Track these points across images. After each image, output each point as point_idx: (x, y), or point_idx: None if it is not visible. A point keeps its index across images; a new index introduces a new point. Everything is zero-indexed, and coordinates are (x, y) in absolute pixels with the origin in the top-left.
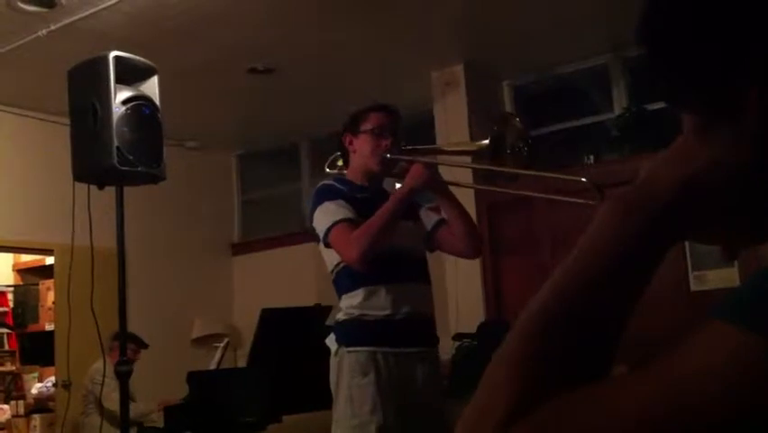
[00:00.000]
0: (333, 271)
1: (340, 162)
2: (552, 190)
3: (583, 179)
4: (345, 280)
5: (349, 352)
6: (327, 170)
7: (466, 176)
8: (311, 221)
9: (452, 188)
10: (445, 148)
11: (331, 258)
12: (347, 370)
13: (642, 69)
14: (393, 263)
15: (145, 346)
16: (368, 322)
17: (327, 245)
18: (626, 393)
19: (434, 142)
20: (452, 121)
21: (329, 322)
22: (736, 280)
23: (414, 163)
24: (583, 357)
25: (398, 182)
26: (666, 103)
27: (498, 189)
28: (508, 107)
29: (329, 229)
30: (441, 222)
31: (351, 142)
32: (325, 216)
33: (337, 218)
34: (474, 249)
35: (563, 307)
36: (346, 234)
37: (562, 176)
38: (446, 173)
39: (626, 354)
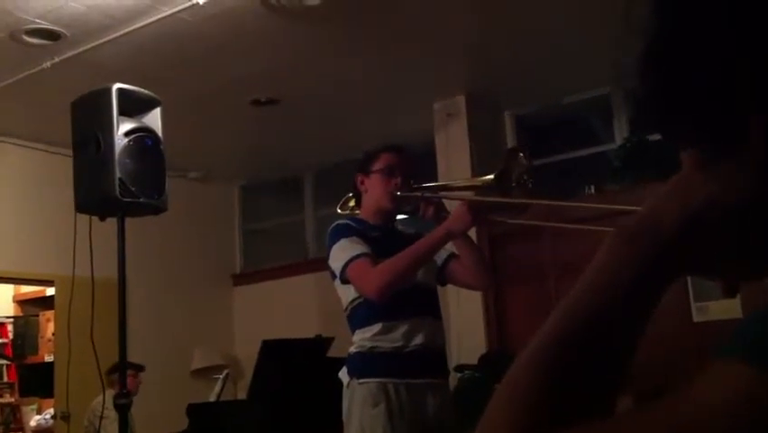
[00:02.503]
0: (347, 307)
1: (351, 203)
2: (555, 220)
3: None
4: (361, 315)
5: (360, 383)
6: (339, 210)
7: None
8: (327, 259)
9: None
10: (452, 184)
11: (347, 294)
12: (359, 401)
13: (642, 104)
14: (409, 298)
15: (142, 369)
16: (379, 354)
17: (344, 281)
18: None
19: (435, 173)
20: (453, 151)
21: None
22: (738, 312)
23: (429, 202)
24: (588, 391)
25: (407, 220)
26: (666, 139)
27: (509, 222)
28: (510, 137)
29: (347, 264)
30: (451, 256)
31: (363, 183)
32: (343, 252)
33: (355, 253)
34: (485, 282)
35: (567, 341)
36: (366, 268)
37: (568, 204)
38: (450, 204)
39: (629, 384)
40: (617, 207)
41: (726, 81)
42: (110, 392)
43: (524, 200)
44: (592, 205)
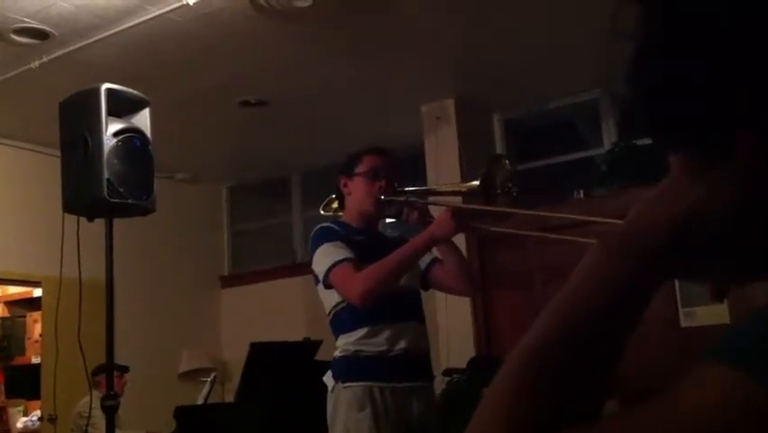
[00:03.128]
0: (330, 312)
1: (335, 204)
2: (541, 228)
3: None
4: (344, 320)
5: (345, 388)
6: (322, 212)
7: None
8: (311, 263)
9: None
10: (437, 189)
11: (329, 299)
12: (344, 405)
13: (630, 109)
14: (392, 303)
15: (127, 370)
16: (364, 358)
17: (328, 286)
18: None
19: (424, 176)
20: (442, 155)
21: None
22: (726, 317)
23: (413, 207)
24: (574, 396)
25: (390, 225)
26: (655, 143)
27: (492, 229)
28: (499, 141)
29: (330, 269)
30: (435, 260)
31: (346, 185)
32: (326, 256)
33: (339, 258)
34: (469, 287)
35: (553, 346)
36: (349, 274)
37: (551, 214)
38: (435, 209)
39: (616, 388)
40: (595, 218)
41: (715, 93)
42: (96, 394)
43: (506, 209)
44: (572, 216)
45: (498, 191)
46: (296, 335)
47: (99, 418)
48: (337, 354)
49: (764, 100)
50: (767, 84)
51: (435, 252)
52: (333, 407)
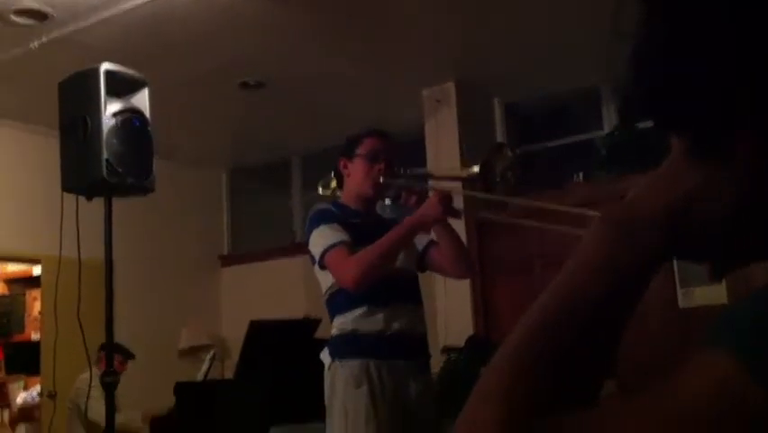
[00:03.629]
0: (326, 292)
1: (333, 184)
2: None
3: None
4: (340, 301)
5: (342, 365)
6: (320, 190)
7: (457, 200)
8: (307, 244)
9: None
10: (437, 174)
11: (325, 280)
12: (341, 382)
13: (633, 94)
14: (388, 285)
15: (132, 357)
16: (360, 336)
17: (323, 267)
18: (617, 424)
19: (424, 159)
20: (442, 138)
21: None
22: (723, 297)
23: (412, 190)
24: (572, 380)
25: (389, 207)
26: (656, 127)
27: (489, 217)
28: (499, 125)
29: (325, 251)
30: (431, 243)
31: (345, 167)
32: (322, 238)
33: (334, 241)
34: (465, 270)
35: (552, 329)
36: (343, 257)
37: (548, 206)
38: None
39: (614, 368)
40: (584, 210)
41: (715, 93)
42: (96, 371)
43: (503, 198)
44: (568, 208)
45: (498, 179)
46: (295, 313)
47: (98, 395)
48: (334, 332)
49: (765, 100)
50: (767, 84)
51: (433, 234)
52: (330, 384)
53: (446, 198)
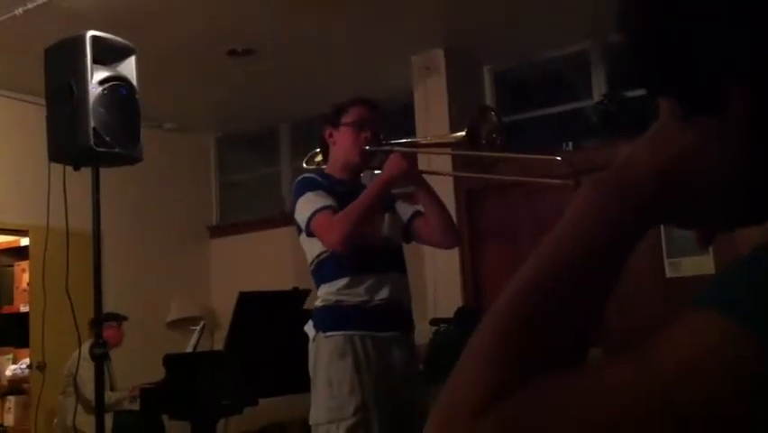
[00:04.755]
0: (312, 261)
1: (318, 158)
2: (530, 175)
3: (558, 158)
4: (326, 270)
5: (326, 337)
6: (305, 165)
7: (446, 165)
8: (293, 212)
9: (430, 177)
10: (424, 141)
11: (312, 248)
12: (325, 354)
13: (621, 56)
14: (372, 254)
15: (124, 318)
16: (344, 307)
17: (309, 234)
18: (603, 384)
19: (413, 128)
20: (432, 106)
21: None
22: (711, 268)
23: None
24: (559, 343)
25: (374, 177)
26: (646, 89)
27: (477, 176)
28: (489, 93)
29: (311, 217)
30: (417, 213)
31: (331, 135)
32: (307, 205)
33: (319, 206)
34: (450, 240)
35: (538, 293)
36: (328, 220)
37: (537, 156)
38: (425, 163)
39: (601, 337)
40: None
41: (706, 38)
42: (88, 343)
43: (489, 153)
44: (549, 157)
45: (484, 142)
46: (284, 284)
47: (88, 369)
48: (318, 303)
49: (762, 57)
50: (765, 41)
51: (419, 205)
52: (314, 356)
53: (410, 155)
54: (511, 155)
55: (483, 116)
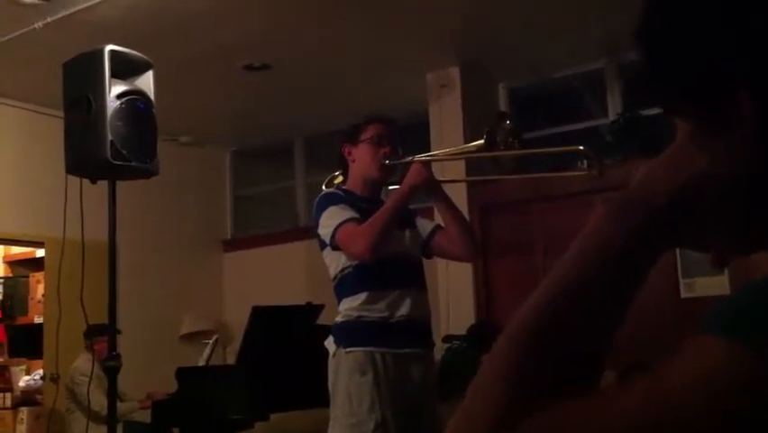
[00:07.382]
0: (336, 276)
1: (337, 180)
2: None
3: (580, 147)
4: (347, 284)
5: (347, 352)
6: (324, 188)
7: (460, 172)
8: (316, 227)
9: (446, 189)
10: (442, 155)
11: (336, 262)
12: (345, 370)
13: (637, 75)
14: (393, 270)
15: (118, 332)
16: (365, 324)
17: (335, 247)
18: (614, 408)
19: (428, 144)
20: (446, 123)
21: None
22: (726, 288)
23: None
24: (574, 365)
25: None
26: (661, 108)
27: (495, 178)
28: (504, 110)
29: (336, 229)
30: (437, 228)
31: (350, 153)
32: (331, 218)
33: (344, 218)
34: (470, 251)
35: (555, 312)
36: (354, 230)
37: (558, 150)
38: (439, 175)
39: (615, 359)
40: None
41: (721, 57)
42: (86, 357)
43: (503, 153)
44: (567, 173)
45: (501, 147)
46: (298, 299)
47: (96, 384)
48: (339, 319)
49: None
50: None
51: (439, 219)
52: (334, 371)
53: (429, 167)
54: (530, 151)
55: (500, 121)
